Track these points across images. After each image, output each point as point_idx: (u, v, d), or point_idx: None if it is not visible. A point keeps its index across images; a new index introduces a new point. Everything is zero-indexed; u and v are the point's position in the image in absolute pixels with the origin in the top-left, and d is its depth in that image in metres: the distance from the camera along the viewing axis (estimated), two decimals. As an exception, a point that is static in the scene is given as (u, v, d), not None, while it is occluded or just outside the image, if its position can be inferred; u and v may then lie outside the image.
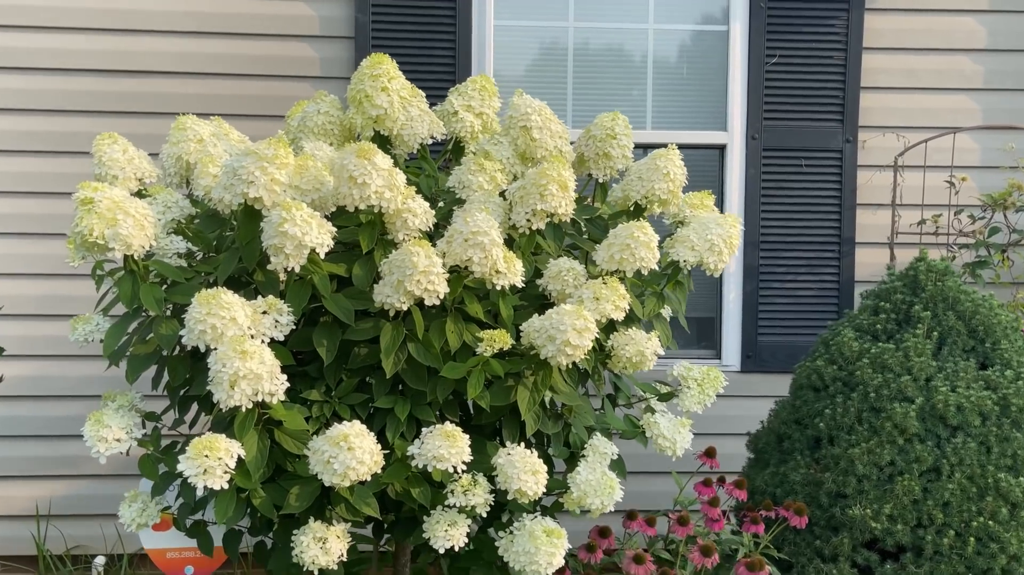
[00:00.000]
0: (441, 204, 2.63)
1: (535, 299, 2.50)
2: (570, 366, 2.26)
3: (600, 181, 2.71)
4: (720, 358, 4.26)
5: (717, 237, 2.48)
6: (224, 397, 2.03)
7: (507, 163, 2.58)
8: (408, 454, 2.21)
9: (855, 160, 4.22)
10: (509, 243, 2.44)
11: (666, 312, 2.65)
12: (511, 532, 2.34)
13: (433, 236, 2.44)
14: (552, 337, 2.19)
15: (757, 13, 4.17)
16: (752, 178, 4.21)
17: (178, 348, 2.37)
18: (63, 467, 4.06)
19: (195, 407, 2.54)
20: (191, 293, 2.22)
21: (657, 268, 2.42)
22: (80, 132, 3.95)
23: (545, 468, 2.24)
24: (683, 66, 4.28)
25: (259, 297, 2.25)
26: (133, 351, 2.30)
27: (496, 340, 2.22)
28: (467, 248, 2.21)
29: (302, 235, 2.13)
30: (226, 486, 2.04)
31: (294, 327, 2.25)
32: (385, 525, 2.59)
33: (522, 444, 2.30)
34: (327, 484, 2.09)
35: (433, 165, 2.71)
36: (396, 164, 2.36)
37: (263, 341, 2.16)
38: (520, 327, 2.32)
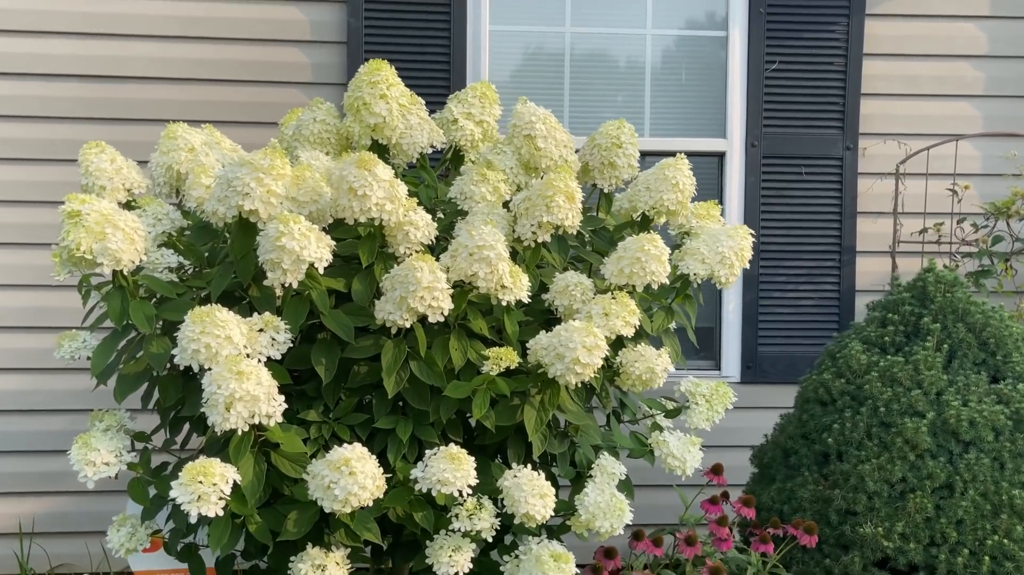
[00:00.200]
0: (440, 215, 2.55)
1: (540, 314, 2.41)
2: (579, 385, 2.17)
3: (605, 191, 2.62)
4: (720, 369, 4.18)
5: (728, 249, 2.40)
6: (219, 420, 1.94)
7: (510, 173, 2.49)
8: (411, 478, 2.12)
9: (856, 168, 4.15)
10: (513, 256, 2.35)
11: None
12: (516, 556, 2.26)
13: (434, 249, 2.36)
14: (561, 355, 2.10)
15: (757, 19, 4.10)
16: (752, 186, 4.14)
17: (169, 366, 2.27)
18: (47, 483, 3.94)
19: (187, 426, 2.44)
20: (183, 310, 2.12)
21: (667, 282, 2.34)
22: (62, 139, 3.84)
23: (553, 491, 2.16)
24: (681, 72, 4.20)
25: (254, 314, 2.15)
26: (123, 371, 2.20)
27: (503, 358, 2.13)
28: (472, 263, 2.12)
29: (300, 249, 2.03)
30: (221, 513, 1.94)
31: (291, 345, 2.16)
32: (384, 547, 2.49)
33: (528, 466, 2.21)
34: (327, 510, 2.00)
35: (433, 175, 2.62)
36: (395, 174, 2.27)
37: (259, 360, 2.06)
38: (526, 344, 2.23)
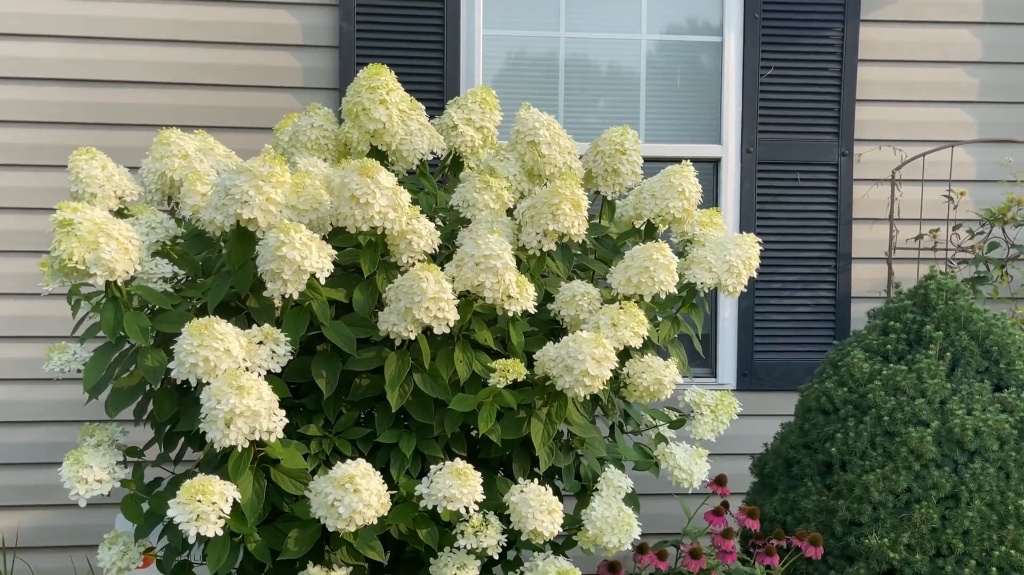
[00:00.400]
0: (438, 222, 2.49)
1: (544, 324, 2.36)
2: (586, 397, 2.12)
3: (609, 198, 2.58)
4: (715, 376, 4.14)
5: (736, 258, 2.36)
6: (219, 437, 1.87)
7: (514, 180, 2.44)
8: (416, 494, 2.06)
9: (851, 174, 4.13)
10: (516, 265, 2.30)
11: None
12: (522, 573, 2.20)
13: (436, 257, 2.30)
14: (569, 367, 2.05)
15: (752, 24, 4.08)
16: (747, 192, 4.11)
17: (164, 380, 2.21)
18: (32, 496, 3.85)
19: (180, 440, 2.37)
20: (180, 322, 2.06)
21: (675, 291, 2.29)
22: (49, 145, 3.76)
23: (561, 506, 2.10)
24: (676, 78, 4.17)
25: (253, 325, 2.09)
26: (116, 384, 2.13)
27: (510, 370, 2.08)
28: (479, 273, 2.06)
29: (301, 259, 1.98)
30: (220, 533, 1.87)
31: (290, 357, 2.09)
32: (384, 564, 2.43)
33: (535, 480, 2.16)
34: (331, 529, 1.93)
35: (433, 182, 2.57)
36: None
37: (259, 374, 2.00)
38: (532, 355, 2.18)
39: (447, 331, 2.08)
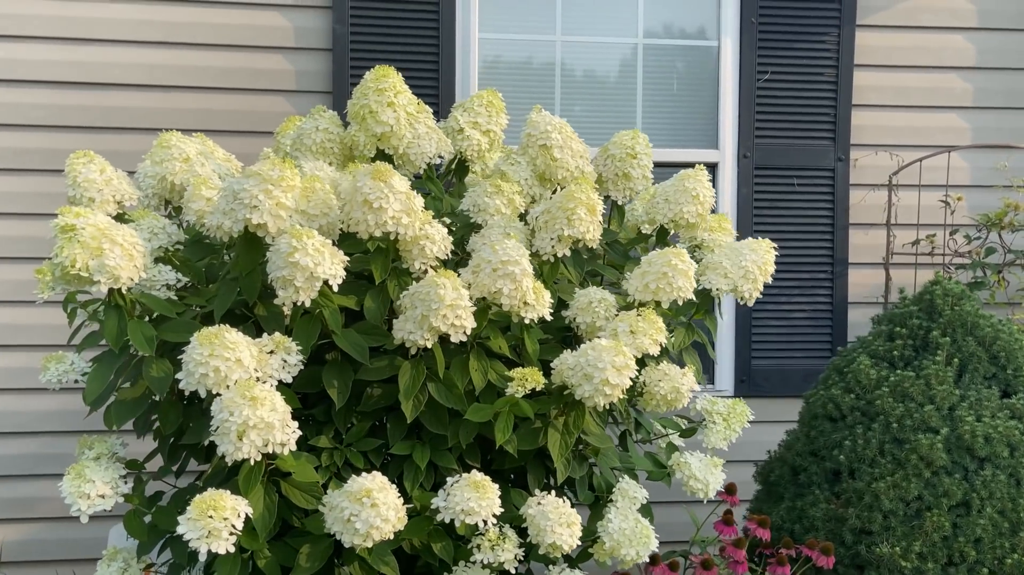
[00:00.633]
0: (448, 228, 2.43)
1: (557, 331, 2.31)
2: (607, 407, 2.07)
3: (619, 203, 2.53)
4: (713, 383, 4.11)
5: (752, 263, 2.32)
6: (231, 450, 1.80)
7: (525, 184, 2.39)
8: (432, 507, 2.00)
9: (847, 179, 4.12)
10: (529, 271, 2.24)
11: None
12: (538, 587, 2.15)
13: (446, 263, 2.25)
14: (589, 375, 2.00)
15: (748, 28, 4.05)
16: (744, 197, 4.09)
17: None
18: (16, 509, 3.75)
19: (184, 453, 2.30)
20: (186, 330, 1.99)
21: (693, 297, 2.25)
22: (36, 149, 3.67)
23: (579, 519, 2.05)
24: (673, 82, 4.14)
25: (264, 334, 2.02)
26: (119, 396, 2.05)
27: (528, 379, 2.03)
28: (496, 279, 2.01)
29: (314, 266, 1.91)
30: (232, 549, 1.80)
31: (301, 367, 2.03)
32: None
33: (552, 492, 2.11)
34: (347, 545, 1.87)
35: (439, 186, 2.51)
36: (405, 186, 2.15)
37: (271, 384, 1.93)
38: (549, 364, 2.13)
39: (464, 339, 2.02)
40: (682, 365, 2.34)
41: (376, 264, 2.09)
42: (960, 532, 2.73)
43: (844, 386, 3.03)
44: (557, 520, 2.01)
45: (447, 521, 1.98)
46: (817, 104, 4.10)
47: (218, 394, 1.87)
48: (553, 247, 2.21)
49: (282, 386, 2.00)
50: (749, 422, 3.97)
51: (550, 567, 2.18)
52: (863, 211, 4.13)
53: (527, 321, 2.09)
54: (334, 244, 2.11)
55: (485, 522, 1.96)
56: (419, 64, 3.86)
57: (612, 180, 2.51)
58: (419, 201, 2.06)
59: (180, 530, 1.79)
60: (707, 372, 4.12)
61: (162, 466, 2.32)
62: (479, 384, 2.08)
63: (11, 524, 3.75)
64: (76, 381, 2.30)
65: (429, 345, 2.02)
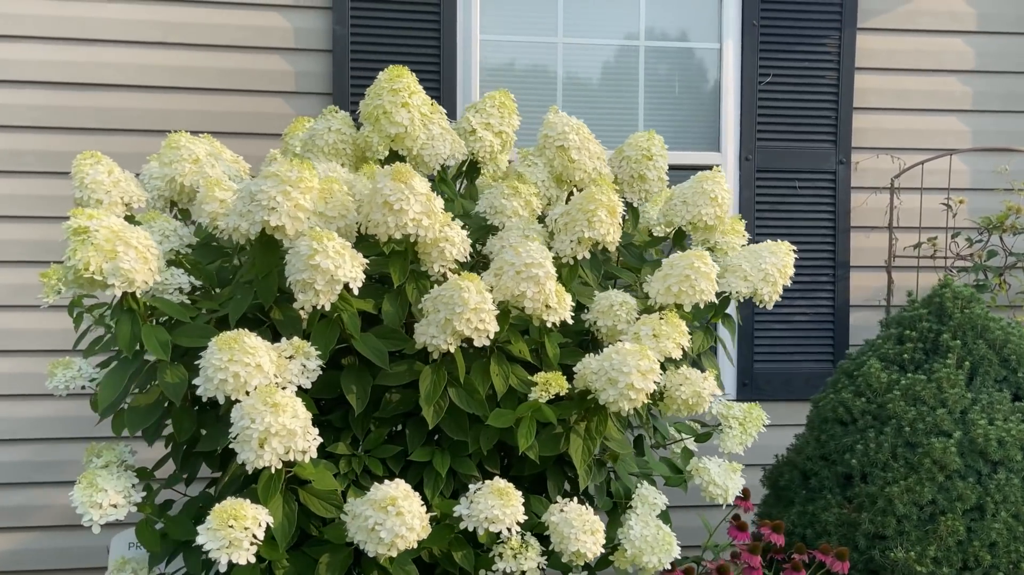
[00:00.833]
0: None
1: (575, 335, 2.28)
2: (632, 411, 2.03)
3: (635, 205, 2.51)
4: (715, 387, 4.08)
5: (772, 267, 2.30)
6: (252, 458, 1.76)
7: (541, 186, 2.36)
8: (455, 514, 1.95)
9: (849, 182, 4.11)
10: (547, 274, 2.20)
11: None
12: (559, 595, 2.11)
13: (463, 266, 2.21)
14: (613, 380, 1.96)
15: (750, 31, 4.04)
16: (746, 200, 4.07)
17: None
18: (7, 518, 3.68)
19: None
20: (202, 335, 1.94)
21: (715, 300, 2.22)
22: (30, 150, 3.61)
23: (602, 526, 2.02)
24: (675, 84, 4.12)
25: (282, 339, 1.97)
26: (133, 403, 2.00)
27: (552, 384, 1.99)
28: (520, 282, 1.97)
29: (335, 269, 1.87)
30: (253, 560, 1.76)
31: (320, 372, 1.98)
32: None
33: (575, 499, 2.07)
34: (371, 554, 1.83)
35: (453, 188, 2.48)
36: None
37: (290, 390, 1.88)
38: (572, 368, 2.09)
39: (487, 343, 1.98)
40: (701, 369, 2.31)
41: (394, 267, 2.05)
42: (975, 536, 2.71)
43: (854, 389, 3.01)
44: (581, 528, 1.98)
45: (471, 529, 1.94)
46: (818, 107, 4.09)
47: (237, 400, 1.82)
48: (573, 249, 2.17)
49: (299, 392, 1.95)
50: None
51: (570, 575, 2.14)
52: (864, 214, 4.13)
53: (549, 324, 2.06)
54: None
55: (509, 530, 1.93)
56: (420, 66, 3.81)
57: (627, 182, 2.48)
58: (439, 203, 2.03)
59: (200, 540, 1.74)
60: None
61: (171, 474, 2.27)
62: (501, 389, 2.04)
63: (4, 533, 3.68)
64: (83, 387, 2.24)
65: (452, 349, 1.98)
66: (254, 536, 1.76)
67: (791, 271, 2.35)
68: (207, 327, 2.00)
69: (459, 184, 2.62)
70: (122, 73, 3.65)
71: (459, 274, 1.98)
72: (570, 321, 2.10)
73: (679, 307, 2.18)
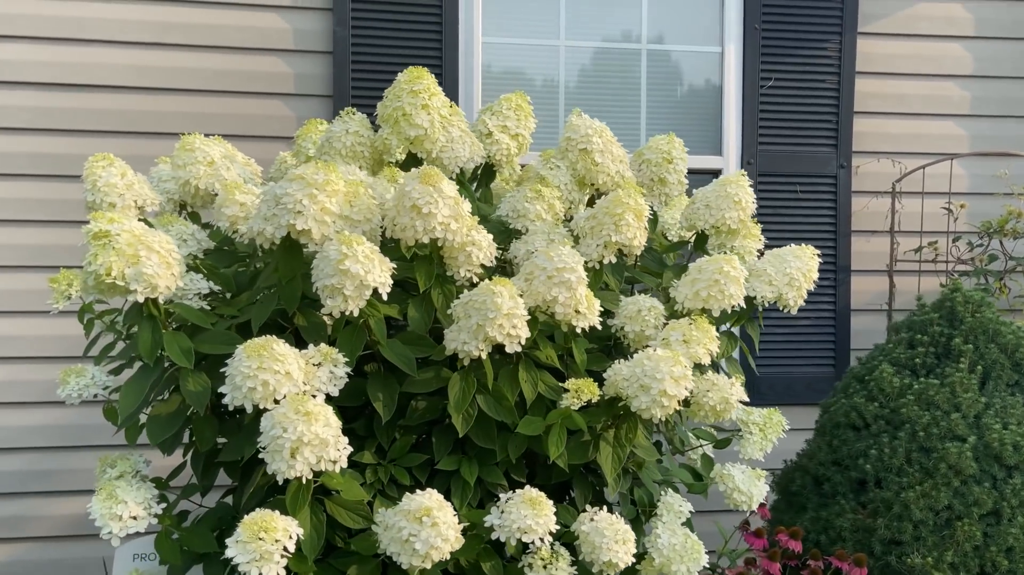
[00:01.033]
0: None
1: (599, 340, 2.25)
2: (664, 419, 2.00)
3: (654, 208, 2.47)
4: (717, 392, 4.06)
5: (796, 271, 2.28)
6: (284, 468, 1.71)
7: (564, 189, 2.33)
8: (487, 525, 1.91)
9: (849, 186, 4.11)
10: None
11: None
12: (587, 606, 2.07)
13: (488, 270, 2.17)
14: (646, 386, 1.93)
15: (751, 35, 4.03)
16: (748, 204, 4.05)
17: (195, 404, 2.02)
18: (2, 529, 3.59)
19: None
20: (224, 342, 1.89)
21: (744, 305, 2.20)
22: (24, 153, 3.53)
23: (633, 536, 1.98)
24: (677, 88, 4.11)
25: (310, 346, 1.92)
26: (153, 412, 1.94)
27: (583, 391, 1.95)
28: (551, 287, 1.94)
29: (364, 274, 1.83)
30: (283, 573, 1.70)
31: (347, 379, 1.94)
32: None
33: (604, 507, 2.03)
34: (404, 566, 1.78)
35: (471, 191, 2.44)
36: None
37: (320, 398, 1.83)
38: (603, 374, 2.06)
39: (518, 349, 1.94)
40: (725, 375, 2.28)
41: (420, 271, 2.01)
42: (991, 541, 2.70)
43: (866, 394, 3.00)
44: (612, 537, 1.94)
45: (502, 539, 1.90)
46: (819, 111, 4.09)
47: (265, 409, 1.77)
48: (600, 254, 2.14)
49: (326, 400, 1.90)
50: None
51: (597, 586, 2.10)
52: (865, 218, 4.13)
53: (578, 330, 2.02)
54: (374, 251, 2.02)
55: (542, 540, 1.89)
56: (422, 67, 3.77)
57: (647, 185, 2.45)
58: (466, 206, 1.99)
59: (229, 553, 1.69)
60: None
61: (186, 484, 2.21)
62: (530, 396, 2.00)
63: (-4, 545, 3.59)
64: (95, 396, 2.18)
65: (484, 356, 1.94)
66: (284, 548, 1.71)
67: (815, 275, 2.33)
68: (229, 334, 1.94)
69: (474, 187, 2.58)
70: (117, 74, 3.58)
71: (490, 278, 1.93)
72: (599, 327, 2.07)
73: (704, 312, 2.15)
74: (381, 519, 1.83)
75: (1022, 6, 4.25)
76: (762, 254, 2.43)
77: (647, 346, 2.12)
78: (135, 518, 1.90)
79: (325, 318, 1.97)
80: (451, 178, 2.40)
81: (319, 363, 1.87)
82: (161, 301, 1.87)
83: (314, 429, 1.70)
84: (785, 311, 2.34)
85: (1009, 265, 4.02)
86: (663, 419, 2.20)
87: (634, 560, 2.19)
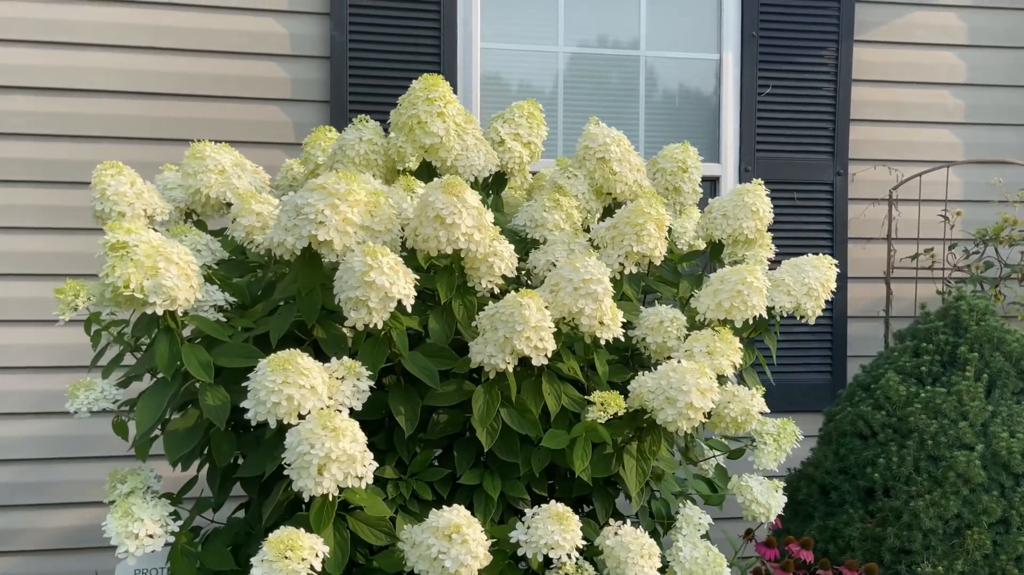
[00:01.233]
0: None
1: (618, 352, 2.22)
2: (688, 431, 1.98)
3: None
4: (715, 399, 4.05)
5: (815, 280, 2.26)
6: (311, 485, 1.67)
7: (582, 199, 2.30)
8: (513, 540, 1.88)
9: (846, 193, 4.12)
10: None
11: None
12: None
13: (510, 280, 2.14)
14: (672, 399, 1.91)
15: (749, 42, 4.03)
16: (746, 212, 4.05)
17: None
18: (-12, 543, 3.51)
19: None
20: (243, 355, 1.85)
21: (766, 316, 2.18)
22: (17, 159, 3.46)
23: (658, 550, 1.96)
24: (675, 95, 4.10)
25: (333, 359, 1.88)
26: (170, 427, 1.89)
27: (610, 403, 1.93)
28: (578, 298, 1.91)
29: (390, 285, 1.79)
30: (309, 593, 1.66)
31: (369, 393, 1.90)
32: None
33: (627, 521, 2.01)
34: (433, 585, 1.74)
35: (486, 200, 2.40)
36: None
37: (345, 413, 1.79)
38: (627, 386, 2.03)
39: (545, 362, 1.91)
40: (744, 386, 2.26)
41: (441, 283, 1.98)
42: (1001, 550, 2.71)
43: (873, 403, 3.00)
44: (638, 552, 1.91)
45: (528, 555, 1.87)
46: (816, 118, 4.09)
47: (289, 424, 1.73)
48: (621, 264, 2.12)
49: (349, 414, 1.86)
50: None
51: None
52: (861, 225, 4.14)
53: (602, 341, 2.00)
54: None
55: (569, 555, 1.86)
56: (420, 73, 3.69)
57: (662, 194, 2.44)
58: (489, 216, 1.96)
59: (255, 573, 1.65)
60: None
61: (197, 499, 2.16)
62: (554, 409, 1.97)
63: (-15, 559, 3.51)
64: (103, 410, 2.13)
65: (511, 369, 1.90)
66: (312, 567, 1.67)
67: (833, 285, 2.32)
68: (247, 346, 1.90)
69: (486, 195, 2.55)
70: (111, 79, 3.52)
71: (516, 290, 1.90)
72: (622, 338, 2.04)
73: (725, 322, 2.13)
74: (408, 536, 1.80)
75: (1014, 15, 4.28)
76: (771, 263, 2.42)
77: (669, 357, 2.10)
78: (151, 536, 1.85)
79: (345, 330, 1.93)
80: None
81: (342, 377, 1.83)
82: (180, 314, 1.83)
83: (342, 445, 1.66)
84: (803, 321, 2.33)
85: (1004, 272, 4.04)
86: (687, 431, 2.19)
87: None
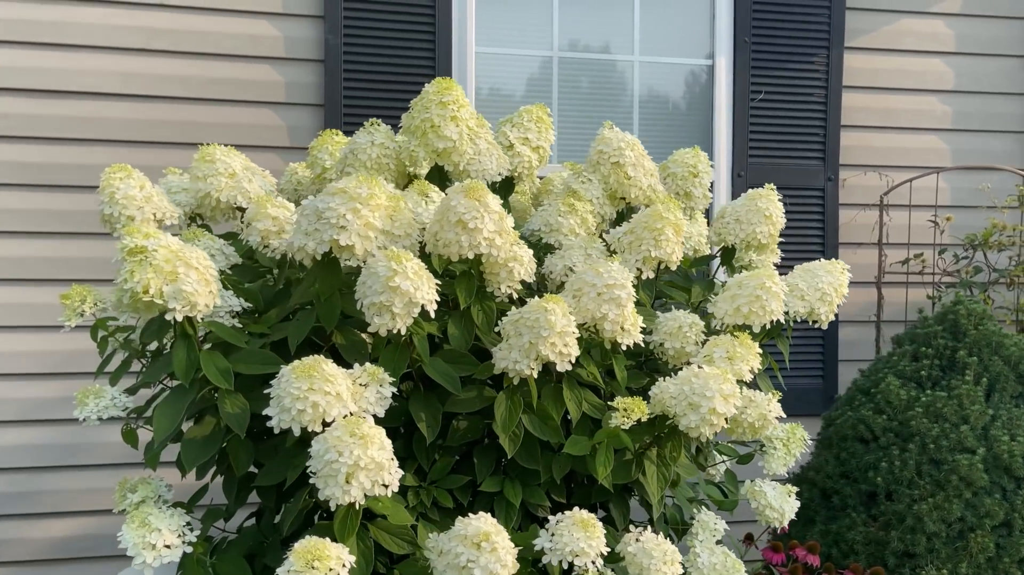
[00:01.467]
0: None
1: (632, 357, 2.21)
2: (710, 437, 1.97)
3: (679, 223, 2.45)
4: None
5: (828, 285, 2.27)
6: (339, 494, 1.64)
7: (596, 203, 2.29)
8: (537, 548, 1.86)
9: (837, 198, 4.15)
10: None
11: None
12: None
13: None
14: (695, 404, 1.90)
15: (741, 48, 4.05)
16: (739, 217, 4.06)
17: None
18: (-24, 554, 3.44)
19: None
20: (261, 361, 1.82)
21: (783, 321, 2.18)
22: (8, 162, 3.39)
23: (679, 556, 1.95)
24: (668, 100, 4.11)
25: (356, 365, 1.86)
26: (187, 435, 1.86)
27: (633, 410, 1.92)
28: (601, 303, 1.90)
29: (414, 291, 1.77)
30: (336, 603, 1.64)
31: (392, 399, 1.87)
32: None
33: (648, 527, 2.00)
34: (462, 594, 1.72)
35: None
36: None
37: (370, 420, 1.77)
38: (650, 392, 2.02)
39: (569, 368, 1.90)
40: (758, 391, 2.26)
41: (461, 288, 1.96)
42: (1004, 553, 2.73)
43: (873, 407, 3.01)
44: (660, 558, 1.90)
45: (553, 562, 1.85)
46: (808, 124, 4.12)
47: (314, 432, 1.70)
48: (639, 269, 2.11)
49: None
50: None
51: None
52: (852, 230, 4.17)
53: (623, 347, 1.99)
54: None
55: (593, 563, 1.84)
56: (414, 77, 3.72)
57: (673, 199, 2.43)
58: (510, 221, 1.94)
59: (281, 584, 1.62)
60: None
61: (208, 507, 2.12)
62: (575, 415, 1.96)
63: (-28, 571, 3.44)
64: (112, 417, 2.09)
65: (535, 374, 1.89)
66: (338, 577, 1.64)
67: (845, 291, 2.33)
68: (265, 353, 1.87)
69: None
70: (103, 81, 3.47)
71: (532, 296, 1.89)
72: (641, 344, 2.03)
73: (743, 327, 2.13)
74: (434, 544, 1.77)
75: (999, 23, 4.34)
76: (778, 268, 2.43)
77: (688, 363, 2.10)
78: (169, 546, 1.81)
79: (365, 336, 1.90)
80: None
81: (366, 383, 1.80)
82: (199, 319, 1.79)
83: (370, 453, 1.63)
84: (815, 326, 2.34)
85: (993, 277, 4.09)
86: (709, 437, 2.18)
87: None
